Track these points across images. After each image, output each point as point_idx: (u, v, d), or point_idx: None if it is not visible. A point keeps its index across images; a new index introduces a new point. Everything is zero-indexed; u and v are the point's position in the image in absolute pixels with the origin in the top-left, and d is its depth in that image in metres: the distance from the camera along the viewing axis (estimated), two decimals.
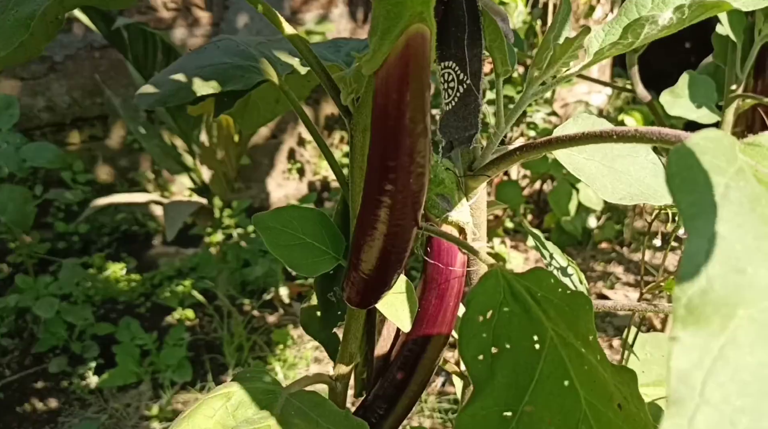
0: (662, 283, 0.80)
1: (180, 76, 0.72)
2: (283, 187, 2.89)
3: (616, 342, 1.88)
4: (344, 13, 2.97)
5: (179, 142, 2.32)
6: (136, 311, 2.10)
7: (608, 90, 2.60)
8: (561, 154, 0.61)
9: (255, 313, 2.07)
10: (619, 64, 2.79)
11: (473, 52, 0.55)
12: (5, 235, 2.27)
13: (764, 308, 0.28)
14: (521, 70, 2.12)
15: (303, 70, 0.77)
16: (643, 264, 0.88)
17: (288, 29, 0.56)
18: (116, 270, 2.25)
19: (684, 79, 1.12)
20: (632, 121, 2.33)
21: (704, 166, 0.31)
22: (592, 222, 2.30)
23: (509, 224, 2.36)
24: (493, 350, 0.44)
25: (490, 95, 1.80)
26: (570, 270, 0.84)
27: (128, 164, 2.63)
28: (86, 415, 1.69)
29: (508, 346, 0.44)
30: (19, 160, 1.70)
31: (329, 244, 0.62)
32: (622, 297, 2.09)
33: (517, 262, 2.21)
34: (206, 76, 0.72)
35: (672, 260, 1.98)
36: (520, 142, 2.26)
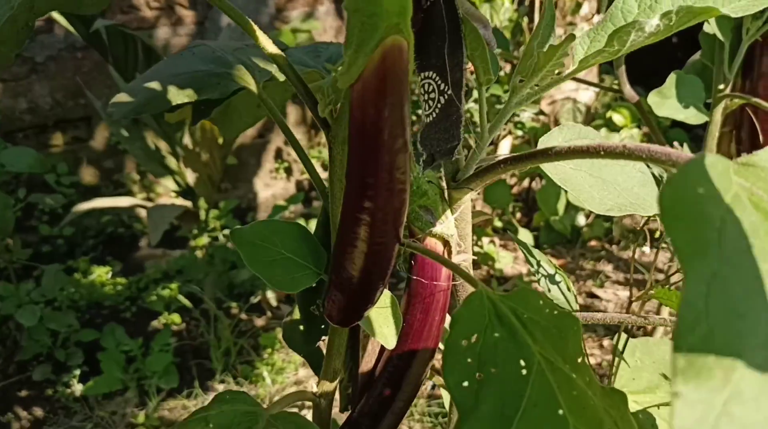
0: (651, 291, 0.78)
1: (155, 84, 0.70)
2: (271, 187, 2.87)
3: (606, 342, 1.87)
4: (330, 11, 2.95)
5: (163, 145, 2.29)
6: (122, 316, 2.07)
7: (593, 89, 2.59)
8: (547, 165, 0.60)
9: (242, 316, 2.05)
10: (607, 62, 2.76)
11: (454, 61, 0.53)
12: None
13: None
14: (508, 68, 2.11)
15: (281, 77, 0.75)
16: (632, 268, 0.86)
17: (265, 42, 0.54)
18: (101, 274, 2.22)
19: (671, 79, 1.11)
20: (620, 118, 2.32)
21: (698, 200, 0.29)
22: (581, 220, 2.29)
23: (498, 223, 2.35)
24: (479, 376, 0.42)
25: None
26: (558, 277, 0.83)
27: (113, 166, 2.60)
28: (71, 424, 1.67)
29: (493, 371, 0.42)
30: None
31: (310, 258, 0.60)
32: (612, 295, 2.08)
33: (507, 261, 2.19)
34: (182, 84, 0.69)
35: (661, 258, 1.97)
36: (507, 140, 2.25)
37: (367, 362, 0.68)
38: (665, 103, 1.10)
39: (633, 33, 0.51)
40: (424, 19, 0.52)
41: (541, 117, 2.33)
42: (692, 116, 1.11)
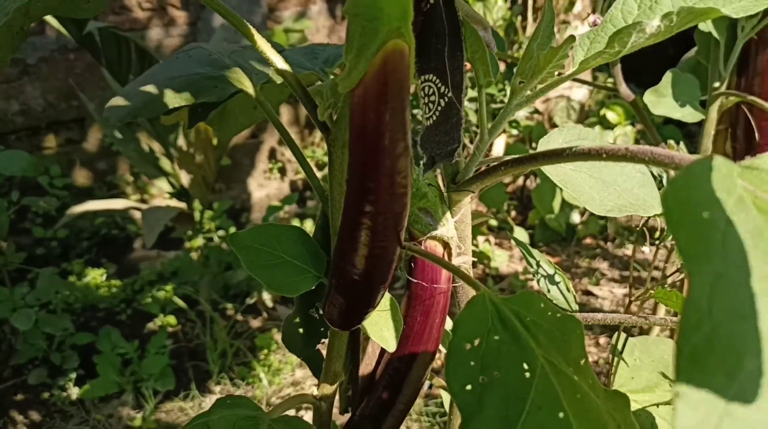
0: (651, 291, 0.78)
1: (151, 88, 0.70)
2: (265, 187, 2.86)
3: (603, 339, 1.87)
4: (323, 10, 2.94)
5: (157, 146, 2.29)
6: (117, 318, 2.07)
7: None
8: (547, 167, 0.60)
9: (238, 317, 2.05)
10: None
11: (454, 64, 0.53)
12: None
13: None
14: (502, 67, 2.10)
15: (278, 80, 0.74)
16: (632, 268, 0.86)
17: (263, 46, 0.54)
18: (96, 276, 2.21)
19: (667, 77, 1.11)
20: (614, 116, 2.33)
21: (703, 201, 0.29)
22: (575, 218, 2.30)
23: (493, 222, 2.35)
24: (482, 379, 0.42)
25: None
26: (557, 278, 0.83)
27: (106, 167, 2.59)
28: (68, 428, 1.66)
29: (497, 375, 0.42)
30: None
31: (310, 262, 0.60)
32: (608, 293, 2.08)
33: (502, 259, 2.19)
34: (178, 87, 0.69)
35: (658, 255, 1.97)
36: (501, 139, 2.25)
37: (367, 365, 0.68)
38: (661, 101, 1.10)
39: (634, 34, 0.51)
40: (423, 21, 0.52)
41: (536, 115, 2.33)
42: (688, 115, 1.12)
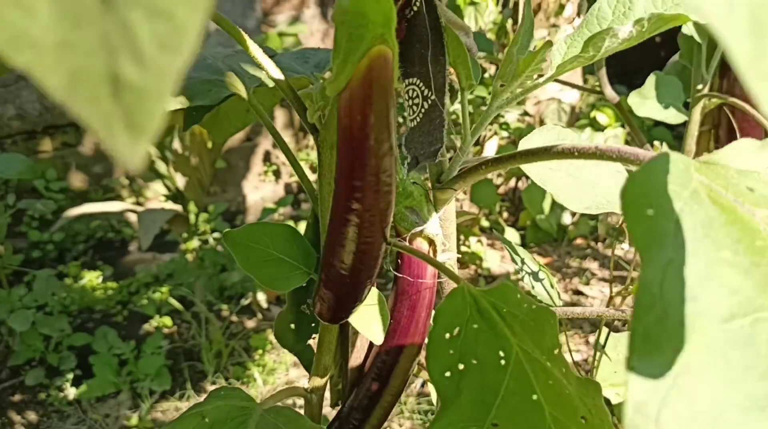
0: (631, 286, 0.81)
1: None
2: (259, 190, 2.89)
3: (592, 338, 1.89)
4: (316, 14, 2.97)
5: (152, 150, 2.31)
6: (113, 320, 2.09)
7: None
8: (527, 166, 0.62)
9: (233, 318, 2.07)
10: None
11: (437, 68, 0.55)
12: None
13: (715, 335, 0.29)
14: (493, 69, 2.13)
15: (271, 83, 0.77)
16: (612, 264, 0.89)
17: (256, 52, 0.56)
18: (92, 278, 2.23)
19: (651, 80, 1.14)
20: (604, 118, 2.36)
21: (658, 194, 0.31)
22: (566, 219, 2.32)
23: (485, 223, 2.38)
24: (460, 367, 0.45)
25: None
26: (541, 274, 0.85)
27: (102, 171, 2.61)
28: (65, 427, 1.68)
29: (474, 362, 0.44)
30: None
31: (300, 258, 0.62)
32: (598, 292, 2.11)
33: (494, 260, 2.22)
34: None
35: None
36: (494, 140, 2.27)
37: (356, 358, 0.70)
38: (645, 103, 1.13)
39: (607, 39, 0.54)
40: (408, 27, 0.54)
41: (527, 118, 2.36)
42: (672, 116, 1.14)
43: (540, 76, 0.60)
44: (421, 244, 0.63)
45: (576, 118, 2.52)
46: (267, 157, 2.90)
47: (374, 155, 0.47)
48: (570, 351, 0.93)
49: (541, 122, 2.47)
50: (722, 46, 0.18)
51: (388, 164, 0.48)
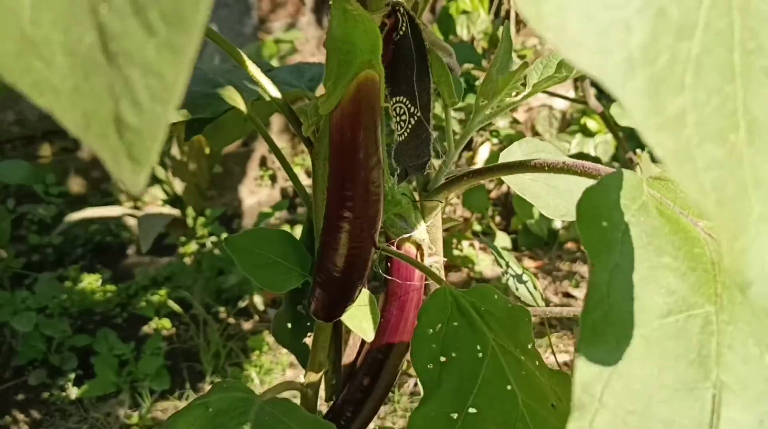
0: None
1: None
2: (256, 194, 2.93)
3: None
4: (311, 21, 3.02)
5: None
6: (113, 322, 2.13)
7: (571, 93, 2.67)
8: (507, 177, 0.67)
9: (231, 320, 2.11)
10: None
11: (422, 87, 0.60)
12: None
13: (653, 328, 0.34)
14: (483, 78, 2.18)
15: (267, 97, 0.81)
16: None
17: (255, 72, 0.60)
18: (91, 281, 2.27)
19: None
20: (594, 124, 2.41)
21: (609, 207, 0.36)
22: (557, 223, 2.37)
23: (477, 227, 2.43)
24: (442, 359, 0.49)
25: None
26: (525, 277, 0.90)
27: (100, 175, 2.65)
28: (67, 426, 1.72)
29: (454, 355, 0.49)
30: None
31: (296, 262, 0.67)
32: None
33: (486, 263, 2.27)
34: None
35: None
36: (486, 146, 2.32)
37: (348, 355, 0.75)
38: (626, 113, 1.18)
39: None
40: (395, 50, 0.59)
41: (518, 126, 2.41)
42: None
43: (518, 93, 0.65)
44: (409, 249, 0.68)
45: (567, 124, 2.57)
46: (263, 162, 2.94)
47: (363, 168, 0.52)
48: (553, 352, 0.98)
49: (533, 128, 2.52)
50: (623, 106, 0.23)
51: (376, 176, 0.53)
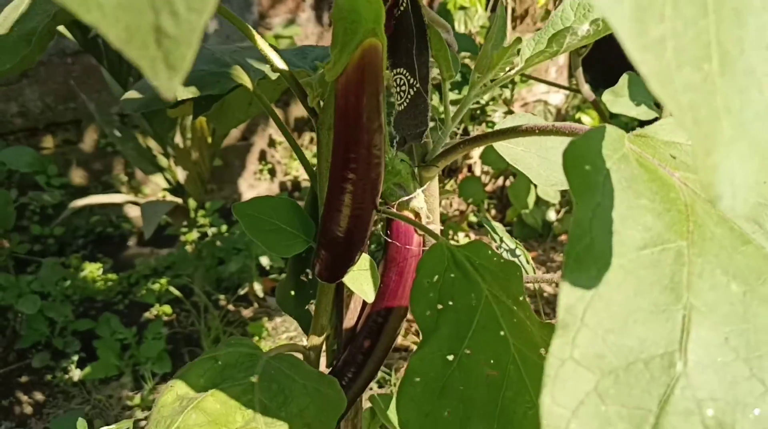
0: None
1: None
2: (255, 188, 2.96)
3: None
4: (311, 17, 3.05)
5: (153, 145, 2.39)
6: (115, 308, 2.16)
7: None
8: (501, 147, 0.71)
9: (230, 307, 2.15)
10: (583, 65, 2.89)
11: (421, 60, 0.64)
12: None
13: (631, 259, 0.38)
14: None
15: (273, 76, 0.85)
16: None
17: (262, 45, 0.64)
18: (93, 270, 2.30)
19: (624, 79, 1.22)
20: (588, 119, 2.45)
21: (593, 155, 0.40)
22: (551, 215, 2.41)
23: (473, 218, 2.46)
24: (439, 307, 0.53)
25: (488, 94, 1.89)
26: (518, 251, 0.94)
27: (102, 167, 2.69)
28: (70, 407, 1.76)
29: (450, 303, 0.53)
30: None
31: (301, 228, 0.70)
32: None
33: None
34: (185, 82, 0.79)
35: None
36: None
37: (349, 319, 0.79)
38: (618, 101, 1.22)
39: (568, 36, 0.63)
40: (395, 25, 0.63)
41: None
42: (643, 113, 1.23)
43: (510, 69, 0.68)
44: (408, 216, 0.72)
45: (562, 119, 2.62)
46: (263, 156, 2.98)
47: (367, 131, 0.55)
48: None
49: None
50: (612, 28, 0.26)
51: (378, 139, 0.56)
